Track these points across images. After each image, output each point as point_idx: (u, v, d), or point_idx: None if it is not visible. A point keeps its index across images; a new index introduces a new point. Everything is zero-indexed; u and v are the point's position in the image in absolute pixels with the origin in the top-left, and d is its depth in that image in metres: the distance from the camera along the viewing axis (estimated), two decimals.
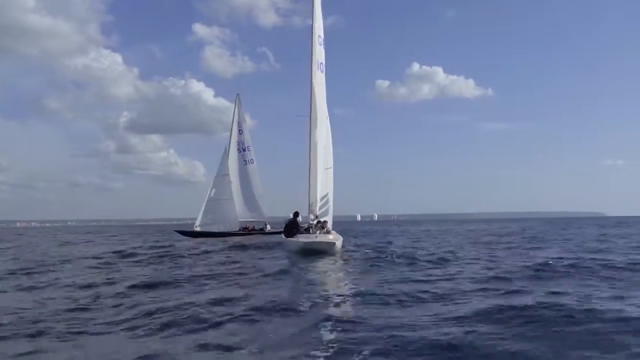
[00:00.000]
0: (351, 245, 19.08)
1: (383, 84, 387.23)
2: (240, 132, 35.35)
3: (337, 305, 7.23)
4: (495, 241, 23.28)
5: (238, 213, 33.68)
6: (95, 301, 7.86)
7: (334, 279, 10.39)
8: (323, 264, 13.00)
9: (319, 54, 18.48)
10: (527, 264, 11.76)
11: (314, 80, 18.31)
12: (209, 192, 33.36)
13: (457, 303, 7.13)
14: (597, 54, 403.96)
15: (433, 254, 15.50)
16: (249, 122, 36.38)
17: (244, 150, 35.21)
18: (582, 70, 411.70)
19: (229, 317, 6.41)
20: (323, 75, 18.78)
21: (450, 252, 16.26)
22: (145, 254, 17.93)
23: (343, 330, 5.60)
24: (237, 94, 36.03)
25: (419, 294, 7.84)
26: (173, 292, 8.77)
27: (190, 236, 32.55)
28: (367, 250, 16.38)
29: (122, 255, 17.77)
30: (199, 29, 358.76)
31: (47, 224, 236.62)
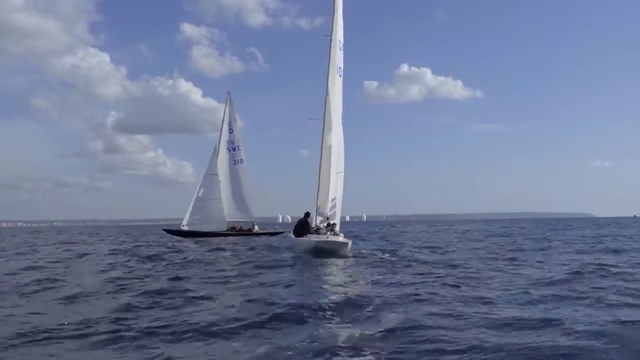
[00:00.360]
0: (360, 247, 18.46)
1: (371, 84, 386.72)
2: (230, 131, 34.90)
3: (392, 306, 6.86)
4: (505, 242, 22.74)
5: (226, 213, 33.25)
6: (130, 303, 7.44)
7: (372, 281, 9.79)
8: (348, 267, 12.63)
9: (339, 58, 18.68)
10: (573, 267, 11.25)
11: (332, 84, 18.49)
12: (197, 191, 32.92)
13: (521, 309, 6.66)
14: (585, 55, 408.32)
15: (456, 254, 15.27)
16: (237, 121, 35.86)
17: (234, 149, 34.76)
18: (571, 71, 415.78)
19: (280, 316, 6.13)
20: (341, 79, 19.00)
21: (472, 254, 15.75)
22: (158, 253, 17.73)
23: (410, 329, 5.34)
24: (228, 92, 35.57)
25: (478, 298, 7.42)
26: (206, 291, 8.42)
27: (177, 235, 32.18)
28: (379, 252, 16.01)
29: (133, 254, 17.52)
30: (187, 28, 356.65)
31: (34, 224, 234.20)
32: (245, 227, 33.74)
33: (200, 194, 32.75)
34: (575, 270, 10.47)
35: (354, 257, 14.71)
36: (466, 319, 5.92)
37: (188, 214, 32.35)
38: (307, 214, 18.13)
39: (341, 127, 18.75)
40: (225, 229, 32.59)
